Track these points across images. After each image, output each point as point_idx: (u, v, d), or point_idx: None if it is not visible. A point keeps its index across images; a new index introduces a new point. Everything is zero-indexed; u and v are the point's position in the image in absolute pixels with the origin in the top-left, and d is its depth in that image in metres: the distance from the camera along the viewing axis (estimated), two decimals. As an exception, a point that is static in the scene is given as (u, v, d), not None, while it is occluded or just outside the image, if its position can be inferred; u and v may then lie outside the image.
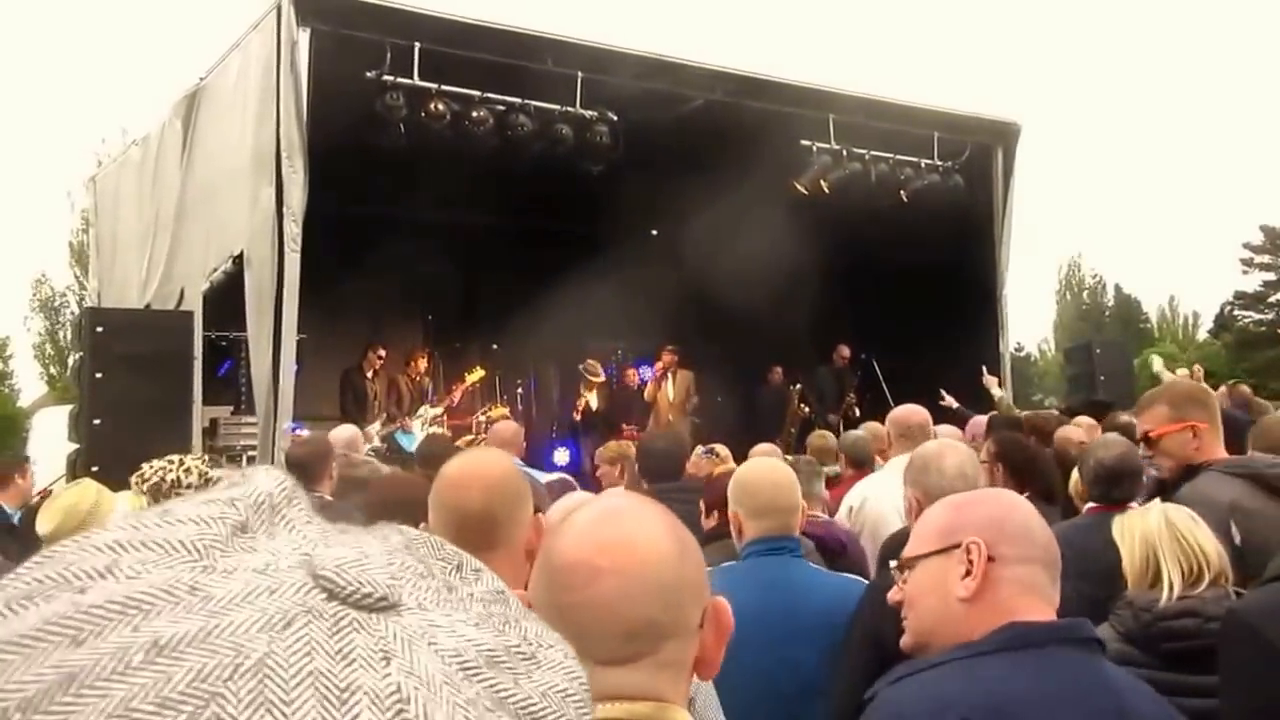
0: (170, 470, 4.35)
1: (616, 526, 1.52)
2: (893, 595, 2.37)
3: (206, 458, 4.24)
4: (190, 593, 0.52)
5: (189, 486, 4.06)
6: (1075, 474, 5.07)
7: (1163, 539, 3.47)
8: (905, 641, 2.32)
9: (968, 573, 2.18)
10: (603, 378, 14.98)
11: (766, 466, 4.10)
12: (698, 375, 15.11)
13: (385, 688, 0.51)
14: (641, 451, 6.82)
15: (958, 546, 2.21)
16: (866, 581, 3.84)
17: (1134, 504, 4.36)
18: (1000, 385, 12.47)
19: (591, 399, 14.85)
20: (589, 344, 15.71)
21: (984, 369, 11.17)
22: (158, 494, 4.29)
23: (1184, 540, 3.45)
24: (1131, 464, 4.57)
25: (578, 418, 14.97)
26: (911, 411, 6.32)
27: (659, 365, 14.97)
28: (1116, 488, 4.51)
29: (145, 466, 4.55)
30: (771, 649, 3.16)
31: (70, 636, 0.50)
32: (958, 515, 2.31)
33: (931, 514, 2.39)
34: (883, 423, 10.25)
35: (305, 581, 0.55)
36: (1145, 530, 3.53)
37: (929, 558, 2.27)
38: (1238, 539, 3.62)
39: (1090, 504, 4.64)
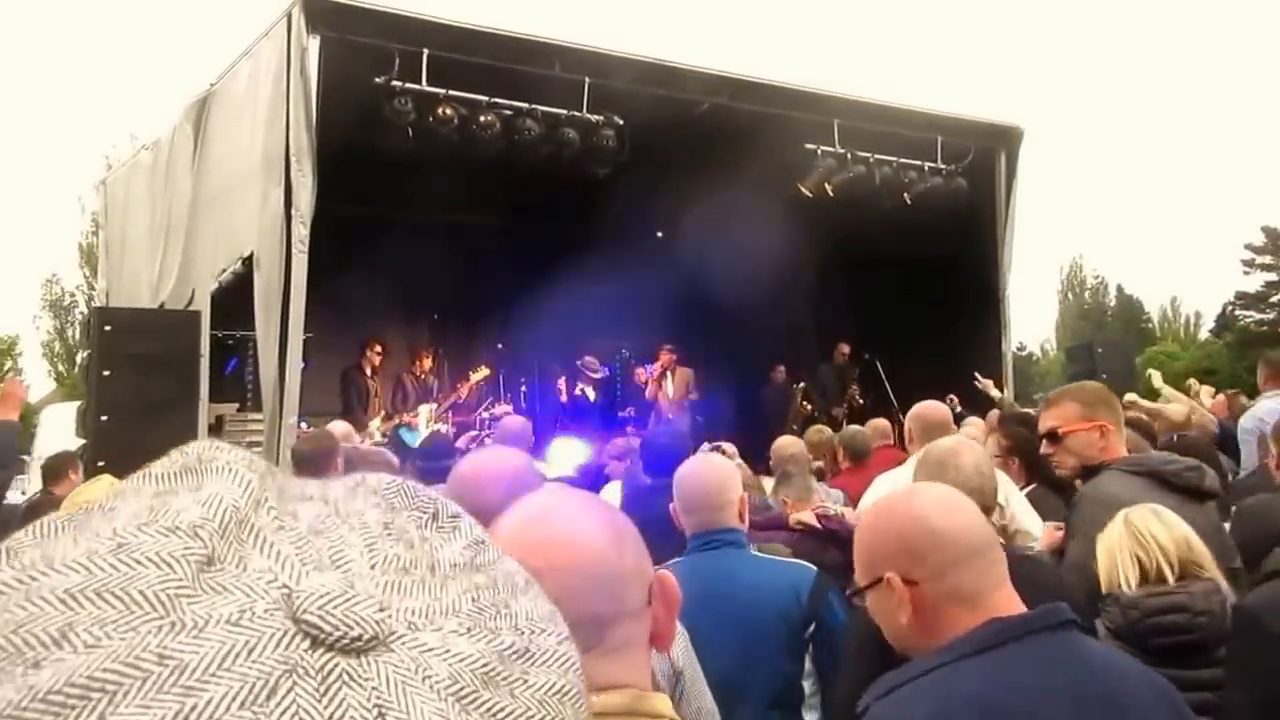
0: None
1: (549, 525, 1.51)
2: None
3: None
4: (159, 663, 0.46)
5: None
6: None
7: (1121, 540, 3.49)
8: (897, 649, 2.32)
9: (900, 602, 2.17)
10: (601, 374, 14.95)
11: (698, 463, 4.11)
12: (703, 374, 15.15)
13: None
14: (644, 446, 6.83)
15: (879, 581, 2.21)
16: (811, 568, 3.85)
17: None
18: (999, 386, 12.48)
19: (590, 392, 14.82)
20: (594, 344, 15.71)
21: (976, 374, 11.15)
22: None
23: (1141, 538, 3.46)
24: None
25: (563, 399, 14.91)
26: (933, 408, 6.27)
27: (657, 365, 15.01)
28: None
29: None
30: (700, 636, 3.11)
31: None
32: (871, 545, 2.30)
33: (857, 541, 2.36)
34: (888, 419, 10.31)
35: (285, 629, 0.49)
36: (1110, 535, 3.55)
37: (866, 591, 2.27)
38: None
39: None
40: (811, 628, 3.66)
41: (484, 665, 0.54)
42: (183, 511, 0.53)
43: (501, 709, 0.53)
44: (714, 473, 3.89)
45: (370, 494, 0.62)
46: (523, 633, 0.58)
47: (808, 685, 3.68)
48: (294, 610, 0.50)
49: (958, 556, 2.15)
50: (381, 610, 0.52)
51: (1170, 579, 3.42)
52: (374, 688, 0.49)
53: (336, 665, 0.49)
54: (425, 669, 0.52)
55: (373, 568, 0.55)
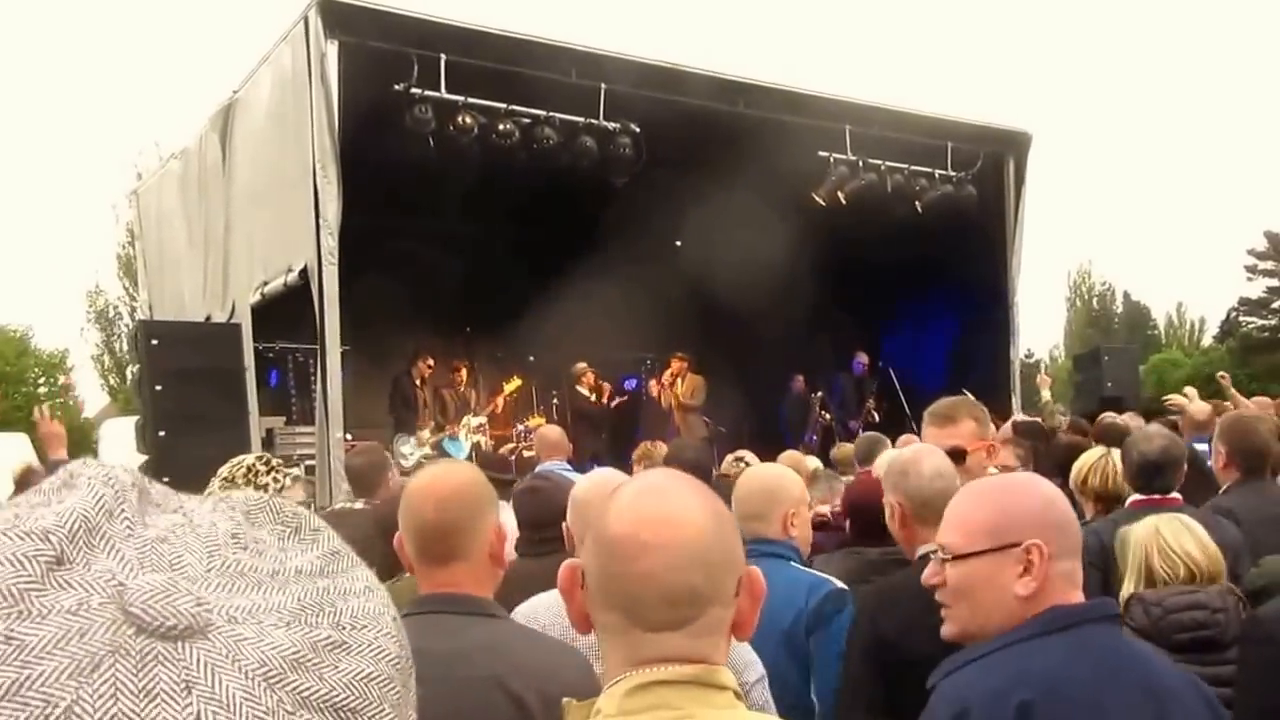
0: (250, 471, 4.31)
1: (660, 502, 1.58)
2: (931, 577, 2.38)
3: (274, 459, 4.22)
4: (5, 643, 0.53)
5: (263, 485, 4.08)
6: (1079, 468, 5.10)
7: (1151, 547, 3.59)
8: (948, 631, 2.35)
9: (1026, 571, 2.20)
10: (589, 381, 14.84)
11: (746, 473, 4.13)
12: (724, 383, 15.13)
13: (191, 713, 0.54)
14: (670, 459, 6.88)
15: (1015, 546, 2.22)
16: (830, 581, 3.73)
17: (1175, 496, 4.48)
18: (1009, 393, 12.55)
19: (593, 394, 14.74)
20: (620, 354, 15.72)
21: (1042, 371, 11.18)
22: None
23: (1170, 549, 3.57)
24: (1175, 455, 4.60)
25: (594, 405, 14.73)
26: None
27: (668, 373, 15.07)
28: (1159, 478, 4.53)
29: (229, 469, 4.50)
30: None
31: None
32: (1006, 513, 2.30)
33: (974, 509, 2.35)
34: (905, 432, 10.31)
35: (116, 618, 0.56)
36: (1138, 538, 3.65)
37: (982, 555, 2.26)
38: None
39: (1135, 496, 4.58)
40: (814, 637, 3.61)
41: (294, 652, 0.60)
42: (40, 520, 0.59)
43: (308, 689, 0.59)
44: (754, 483, 3.89)
45: (229, 509, 0.68)
46: (343, 628, 0.63)
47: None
48: (124, 603, 0.57)
49: (1076, 546, 2.26)
50: (199, 605, 0.59)
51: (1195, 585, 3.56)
52: (185, 667, 0.56)
53: (154, 648, 0.56)
54: (236, 654, 0.58)
55: (208, 571, 0.62)
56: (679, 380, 14.83)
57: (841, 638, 3.52)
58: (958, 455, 3.68)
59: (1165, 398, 10.15)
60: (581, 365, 14.55)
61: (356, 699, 0.61)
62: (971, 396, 10.06)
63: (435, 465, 2.96)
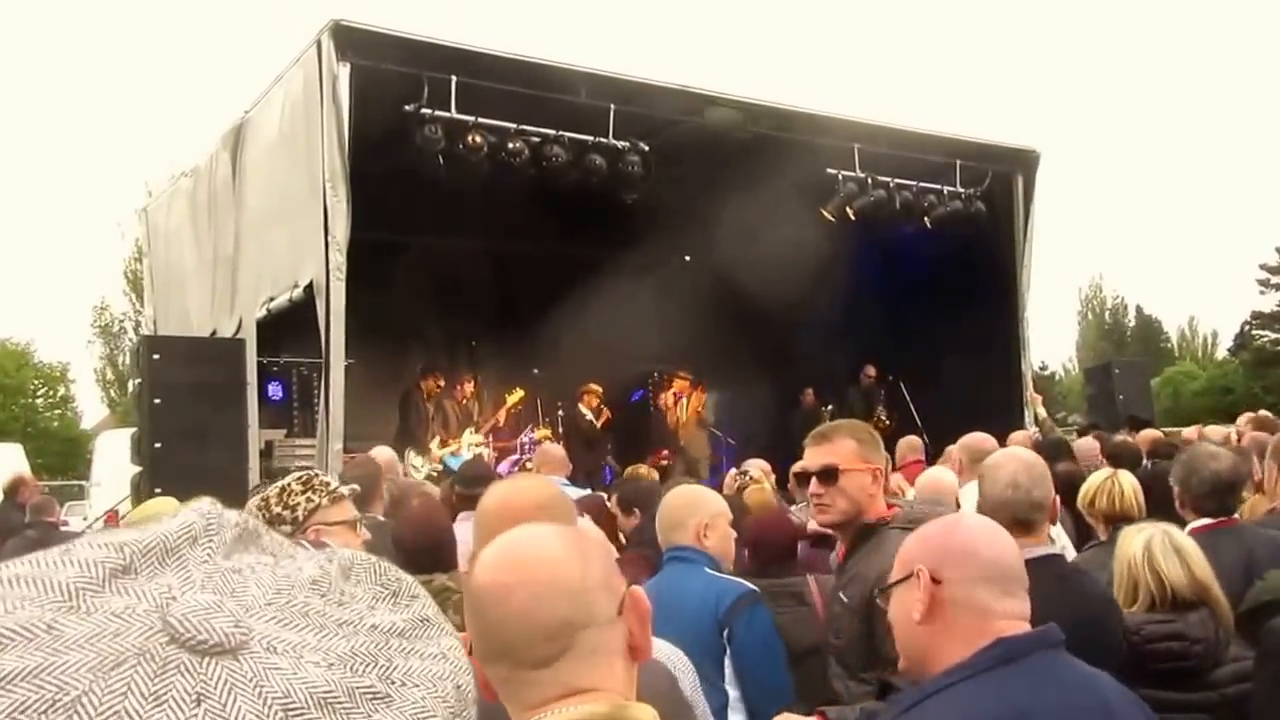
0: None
1: (518, 548, 1.66)
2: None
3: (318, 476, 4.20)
4: (46, 631, 0.57)
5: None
6: (1085, 490, 5.06)
7: (1138, 564, 3.56)
8: (900, 665, 2.41)
9: (920, 595, 2.24)
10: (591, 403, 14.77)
11: (672, 492, 4.50)
12: (734, 397, 15.16)
13: None
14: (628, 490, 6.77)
15: (910, 576, 2.28)
16: (743, 585, 4.07)
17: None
18: (1021, 407, 12.48)
19: (594, 417, 14.67)
20: (625, 368, 15.72)
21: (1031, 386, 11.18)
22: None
23: (1158, 569, 3.52)
24: (1241, 474, 4.56)
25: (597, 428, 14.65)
26: (983, 439, 6.44)
27: (669, 391, 15.03)
28: (1231, 497, 4.49)
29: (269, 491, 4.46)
30: None
31: None
32: (911, 548, 2.36)
33: (901, 549, 2.42)
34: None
35: (154, 626, 0.59)
36: (1129, 552, 3.61)
37: (896, 586, 2.34)
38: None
39: (1205, 519, 4.48)
40: (725, 634, 3.92)
41: (326, 693, 0.61)
42: (123, 535, 0.64)
43: None
44: (675, 497, 4.30)
45: (326, 560, 0.71)
46: (392, 682, 0.65)
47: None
48: (166, 613, 0.60)
49: (985, 575, 2.23)
50: (237, 627, 0.61)
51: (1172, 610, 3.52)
52: (203, 680, 0.58)
53: (179, 658, 0.58)
54: (262, 680, 0.60)
55: (268, 604, 0.65)
56: (683, 400, 14.81)
57: (760, 637, 3.94)
58: (828, 474, 3.56)
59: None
60: (593, 386, 14.50)
61: None
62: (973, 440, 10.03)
63: (511, 482, 2.99)
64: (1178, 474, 4.62)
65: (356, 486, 4.16)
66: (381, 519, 5.37)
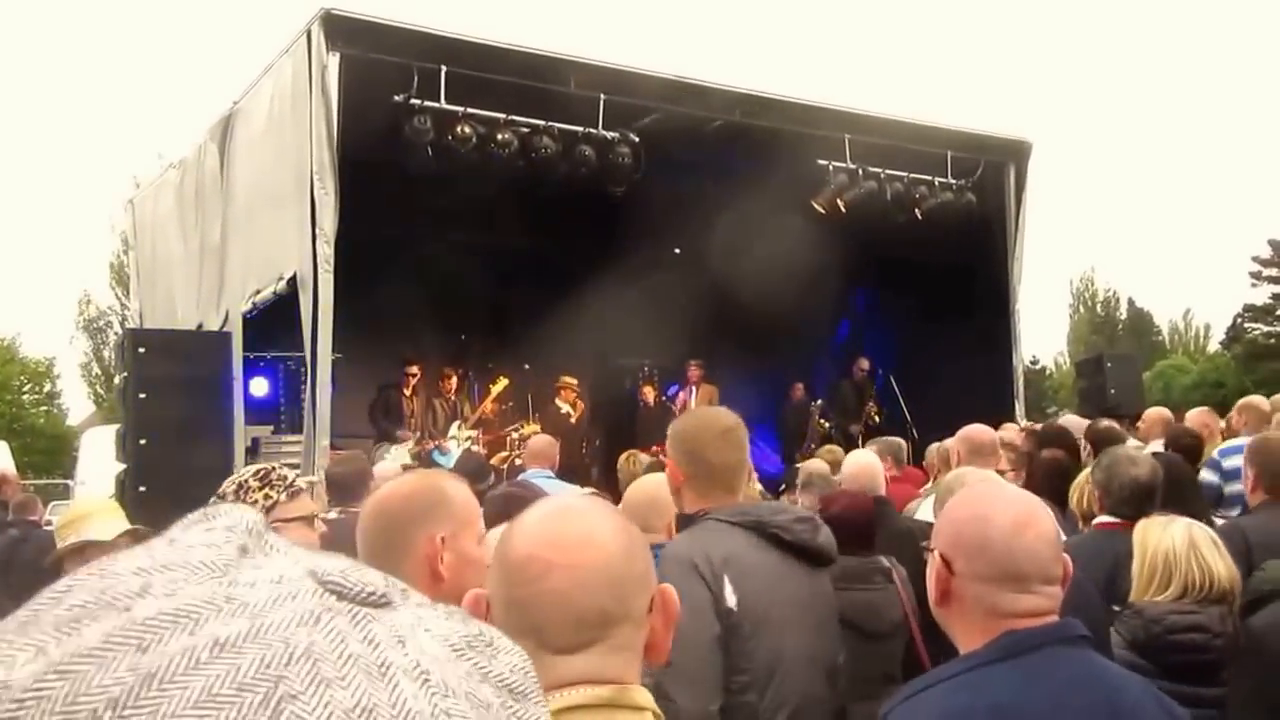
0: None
1: (566, 523, 1.59)
2: None
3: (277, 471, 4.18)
4: (228, 601, 0.58)
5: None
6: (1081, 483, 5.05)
7: (1179, 555, 3.51)
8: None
9: (935, 579, 2.22)
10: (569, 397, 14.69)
11: (633, 486, 4.37)
12: (724, 391, 15.12)
13: (410, 663, 0.60)
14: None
15: (932, 550, 2.27)
16: None
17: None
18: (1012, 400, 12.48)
19: (571, 411, 14.59)
20: (615, 361, 15.72)
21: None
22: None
23: (1203, 560, 3.49)
24: (1158, 480, 4.49)
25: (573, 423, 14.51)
26: (980, 431, 6.30)
27: (688, 382, 14.97)
28: (1148, 503, 4.40)
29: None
30: None
31: (135, 645, 0.55)
32: (940, 520, 2.35)
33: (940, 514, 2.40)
34: (903, 437, 10.27)
35: (316, 587, 0.61)
36: (1168, 543, 3.57)
37: (930, 553, 2.30)
38: (732, 600, 3.03)
39: (1112, 519, 4.46)
40: None
41: (465, 636, 0.66)
42: (211, 524, 0.66)
43: (484, 666, 0.65)
44: (637, 494, 4.13)
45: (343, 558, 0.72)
46: (486, 635, 0.68)
47: None
48: (319, 576, 0.62)
49: (997, 574, 2.15)
50: (385, 582, 0.65)
51: (1204, 602, 3.49)
52: (391, 625, 0.61)
53: (360, 610, 0.61)
54: (425, 623, 0.64)
55: (384, 579, 0.66)
56: (694, 391, 14.78)
57: None
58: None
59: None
60: (567, 379, 14.46)
61: (522, 683, 0.67)
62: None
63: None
64: (1098, 477, 4.60)
65: (315, 479, 4.16)
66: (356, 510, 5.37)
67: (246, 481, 3.97)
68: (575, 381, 14.59)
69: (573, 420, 14.44)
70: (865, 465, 5.93)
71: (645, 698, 1.53)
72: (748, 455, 3.44)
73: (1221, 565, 3.51)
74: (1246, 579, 3.74)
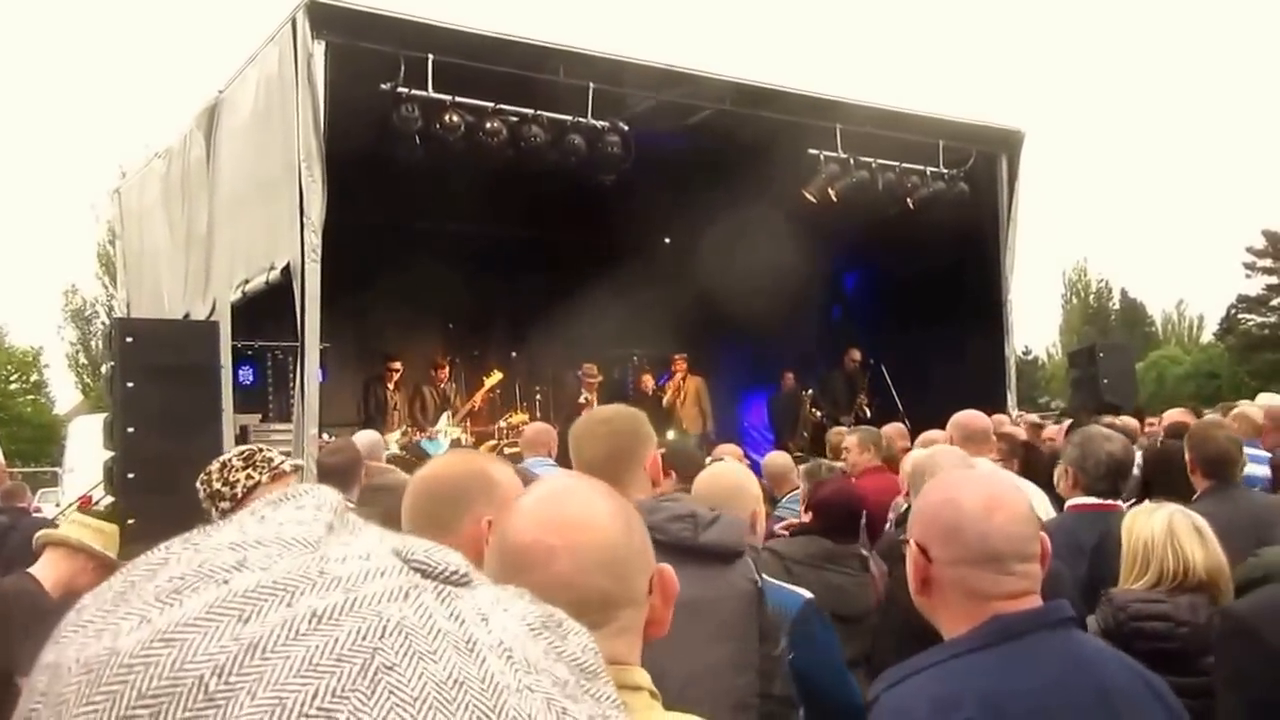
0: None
1: (566, 506, 1.60)
2: None
3: (261, 452, 4.18)
4: (321, 576, 0.60)
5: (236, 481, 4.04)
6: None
7: (1156, 543, 3.54)
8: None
9: (914, 568, 2.23)
10: (599, 378, 14.73)
11: (713, 470, 4.28)
12: (713, 381, 15.13)
13: (494, 640, 0.61)
14: (672, 451, 6.86)
15: (908, 540, 2.27)
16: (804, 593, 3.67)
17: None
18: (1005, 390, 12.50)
19: (594, 400, 14.63)
20: (604, 351, 15.70)
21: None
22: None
23: (1180, 547, 3.52)
24: (1131, 457, 4.53)
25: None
26: (974, 416, 6.30)
27: (675, 373, 15.00)
28: (1122, 480, 4.47)
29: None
30: None
31: (236, 616, 0.57)
32: (914, 510, 2.35)
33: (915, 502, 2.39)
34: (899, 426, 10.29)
35: (401, 565, 0.63)
36: (1148, 531, 3.60)
37: (906, 545, 2.30)
38: None
39: (1090, 499, 4.50)
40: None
41: (539, 616, 0.68)
42: (301, 501, 0.69)
43: (558, 646, 0.67)
44: (720, 480, 3.87)
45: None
46: (555, 617, 0.71)
47: None
48: (404, 556, 0.64)
49: (974, 557, 2.15)
50: (466, 562, 0.67)
51: (1177, 590, 3.52)
52: (474, 604, 0.63)
53: (445, 588, 0.63)
54: (504, 602, 0.66)
55: (465, 560, 0.68)
56: (682, 383, 14.80)
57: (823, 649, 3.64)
58: None
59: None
60: (589, 367, 14.53)
61: (593, 662, 0.69)
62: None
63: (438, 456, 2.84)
64: (1072, 456, 4.61)
65: (301, 463, 4.17)
66: (351, 505, 5.32)
67: (230, 461, 3.99)
68: (595, 368, 14.65)
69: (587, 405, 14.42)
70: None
71: (643, 677, 1.55)
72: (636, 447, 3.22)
73: (1200, 553, 3.53)
74: None
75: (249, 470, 3.91)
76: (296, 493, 0.70)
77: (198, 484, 4.11)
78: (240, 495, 3.81)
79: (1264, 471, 6.30)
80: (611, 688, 0.70)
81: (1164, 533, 3.57)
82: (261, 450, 4.08)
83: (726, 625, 2.93)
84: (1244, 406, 8.50)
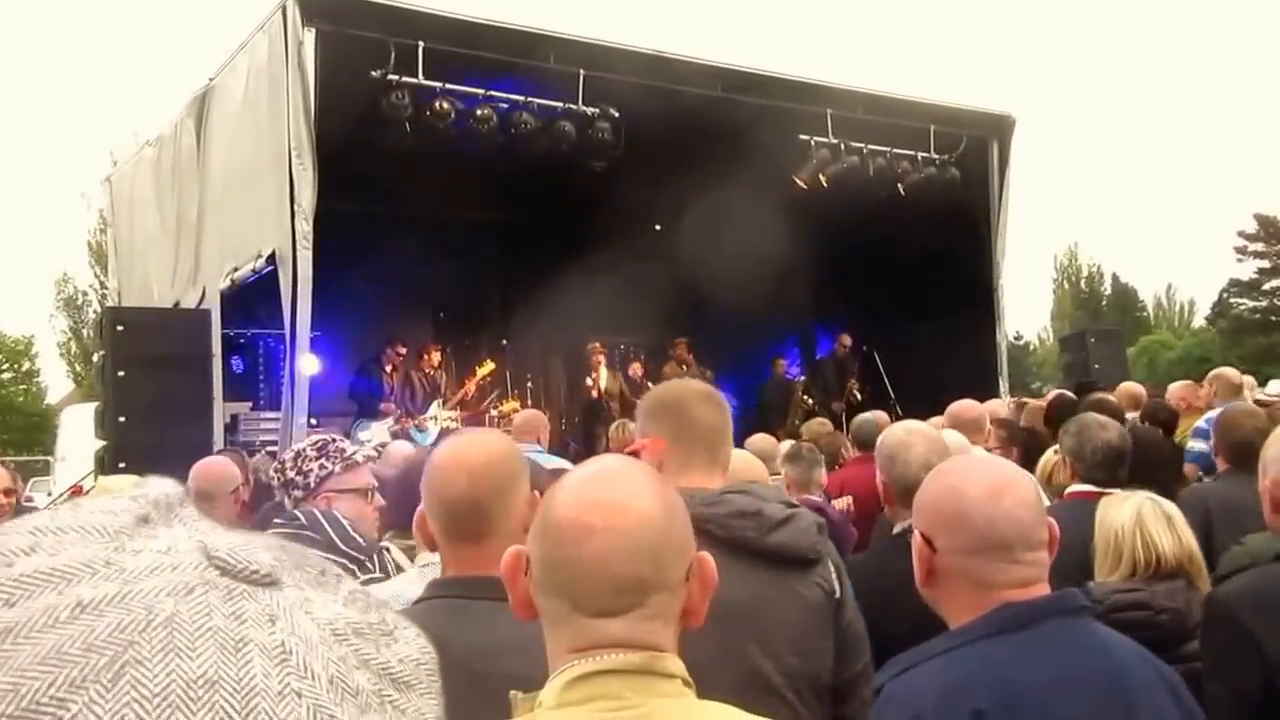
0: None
1: (609, 487, 1.59)
2: None
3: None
4: (105, 565, 0.61)
5: None
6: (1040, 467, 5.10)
7: (1125, 534, 3.55)
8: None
9: (919, 557, 2.21)
10: (603, 357, 14.73)
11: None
12: (704, 368, 15.13)
13: (272, 642, 0.62)
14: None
15: (913, 530, 2.25)
16: None
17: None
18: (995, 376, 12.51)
19: (603, 378, 14.68)
20: (595, 338, 15.71)
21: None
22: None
23: (1148, 535, 3.52)
24: (1128, 444, 4.51)
25: (596, 396, 14.66)
26: (968, 406, 6.34)
27: (676, 359, 14.99)
28: (1120, 467, 4.43)
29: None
30: None
31: (3, 600, 0.58)
32: (918, 498, 2.30)
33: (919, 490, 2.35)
34: (886, 412, 10.31)
35: (202, 561, 0.64)
36: (1118, 522, 3.61)
37: (913, 533, 2.27)
38: None
39: (1088, 487, 4.42)
40: None
41: (355, 623, 0.68)
42: (122, 495, 0.69)
43: (367, 654, 0.67)
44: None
45: (273, 539, 0.74)
46: (390, 625, 0.71)
47: None
48: (208, 550, 0.65)
49: (980, 546, 2.12)
50: (275, 561, 0.67)
51: (1154, 578, 3.51)
52: (267, 605, 0.64)
53: (239, 586, 0.64)
54: (308, 605, 0.66)
55: (271, 552, 0.69)
56: (684, 369, 14.80)
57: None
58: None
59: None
60: (595, 345, 14.59)
61: (411, 674, 0.69)
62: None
63: (461, 436, 2.79)
64: (1069, 444, 4.56)
65: (374, 453, 4.18)
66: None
67: (304, 450, 4.00)
68: (601, 344, 14.69)
69: (605, 389, 14.57)
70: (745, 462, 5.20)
71: (677, 665, 1.54)
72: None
73: (1168, 541, 3.52)
74: (1206, 544, 3.79)
75: (322, 460, 3.91)
76: (139, 484, 0.71)
77: (271, 472, 4.14)
78: (313, 485, 3.82)
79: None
80: (431, 702, 0.70)
81: (1133, 522, 3.55)
82: (335, 440, 4.09)
83: (793, 641, 2.65)
84: (1222, 370, 8.63)
